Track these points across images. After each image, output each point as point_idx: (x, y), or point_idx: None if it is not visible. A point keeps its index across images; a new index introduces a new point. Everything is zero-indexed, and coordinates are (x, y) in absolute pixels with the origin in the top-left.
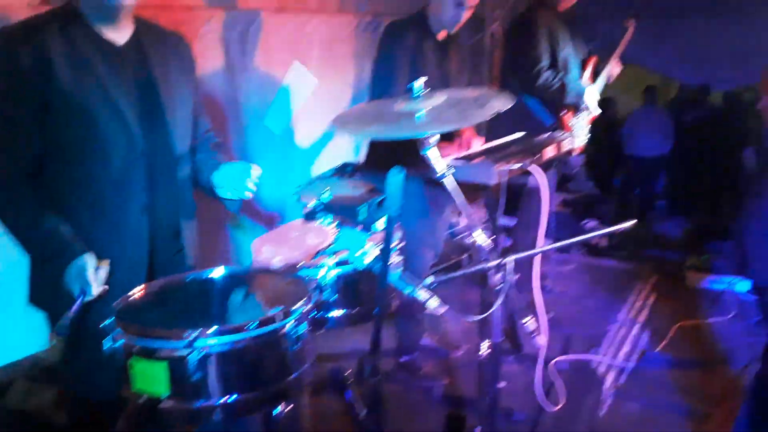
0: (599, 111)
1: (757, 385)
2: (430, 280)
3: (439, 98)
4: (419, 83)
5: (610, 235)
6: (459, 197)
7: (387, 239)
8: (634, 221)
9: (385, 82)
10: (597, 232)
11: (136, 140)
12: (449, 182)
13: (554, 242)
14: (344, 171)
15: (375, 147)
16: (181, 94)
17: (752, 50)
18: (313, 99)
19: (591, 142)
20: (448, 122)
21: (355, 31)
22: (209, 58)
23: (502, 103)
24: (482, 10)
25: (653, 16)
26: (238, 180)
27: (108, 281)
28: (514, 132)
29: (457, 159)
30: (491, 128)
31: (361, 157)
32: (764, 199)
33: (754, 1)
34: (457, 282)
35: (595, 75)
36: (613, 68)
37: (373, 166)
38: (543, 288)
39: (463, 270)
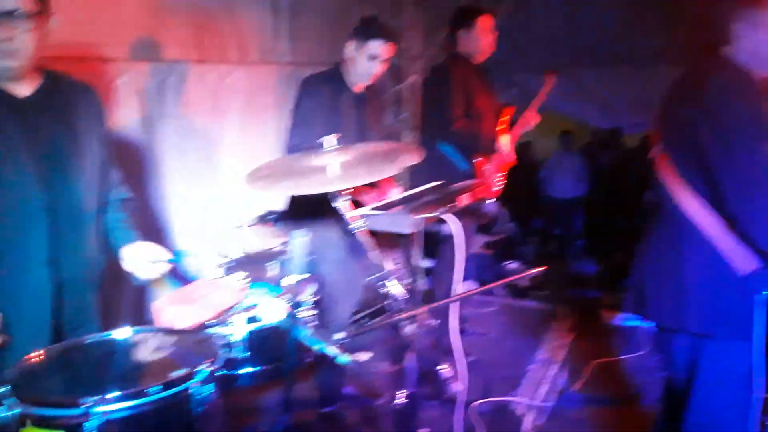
0: (514, 158)
1: (658, 420)
2: (341, 335)
3: (351, 153)
4: (332, 138)
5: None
6: (372, 249)
7: (294, 299)
8: (544, 267)
9: (301, 136)
10: (504, 280)
11: (35, 192)
12: (362, 234)
13: (477, 283)
14: (266, 219)
15: (296, 195)
16: (90, 145)
17: (656, 96)
18: (235, 150)
19: (511, 185)
20: (359, 177)
21: (276, 82)
22: (126, 110)
23: (411, 158)
24: (402, 61)
25: (565, 65)
26: (147, 263)
27: (9, 332)
28: (432, 178)
29: (374, 208)
30: (412, 175)
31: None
32: (658, 242)
33: (655, 52)
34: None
35: (511, 124)
36: (531, 118)
37: (294, 214)
38: (463, 331)
39: (375, 323)
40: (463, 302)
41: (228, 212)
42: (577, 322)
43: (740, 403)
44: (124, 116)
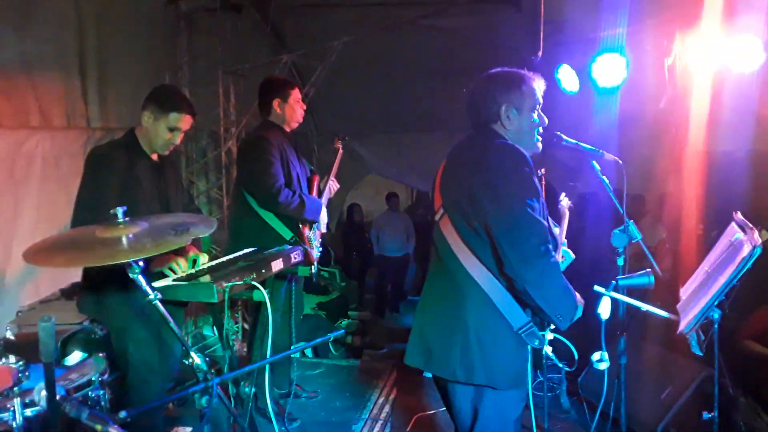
0: (326, 227)
1: None
2: (123, 414)
3: (139, 225)
4: (120, 211)
5: (362, 333)
6: (170, 321)
7: (77, 380)
8: (341, 332)
9: (90, 208)
10: (307, 344)
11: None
12: (159, 306)
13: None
14: (74, 292)
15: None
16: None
17: None
18: (36, 220)
19: (344, 245)
20: (144, 250)
21: (84, 146)
22: None
23: (202, 230)
24: (218, 127)
25: (384, 132)
26: None
27: None
28: (255, 245)
29: (176, 279)
30: (233, 242)
31: None
32: (441, 298)
33: (460, 119)
34: None
35: (319, 192)
36: (332, 185)
37: (90, 288)
38: (290, 394)
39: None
40: (291, 365)
41: (27, 288)
42: (400, 377)
43: None
44: None
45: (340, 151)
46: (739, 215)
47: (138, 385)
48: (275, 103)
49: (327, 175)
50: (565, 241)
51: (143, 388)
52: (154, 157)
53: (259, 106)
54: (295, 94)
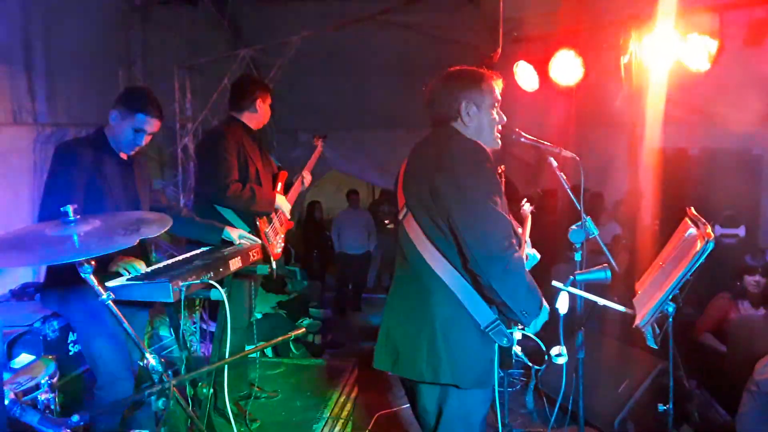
0: (292, 220)
1: None
2: (75, 418)
3: (91, 223)
4: (71, 208)
5: (323, 332)
6: (124, 322)
7: (26, 383)
8: (303, 330)
9: (56, 205)
10: (267, 343)
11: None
12: (111, 307)
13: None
14: (24, 293)
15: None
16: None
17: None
18: None
19: (304, 242)
20: (90, 250)
21: (33, 143)
22: None
23: (155, 229)
24: (174, 123)
25: (344, 129)
26: None
27: None
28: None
29: (130, 279)
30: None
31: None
32: (406, 298)
33: (421, 116)
34: None
35: (286, 187)
36: (305, 180)
37: (54, 282)
38: (250, 395)
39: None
40: (249, 365)
41: None
42: (361, 375)
43: None
44: None
45: (319, 148)
46: (692, 211)
47: (108, 385)
48: (258, 101)
49: (302, 168)
50: (530, 241)
51: (113, 387)
52: (123, 156)
53: (232, 100)
54: (270, 98)
